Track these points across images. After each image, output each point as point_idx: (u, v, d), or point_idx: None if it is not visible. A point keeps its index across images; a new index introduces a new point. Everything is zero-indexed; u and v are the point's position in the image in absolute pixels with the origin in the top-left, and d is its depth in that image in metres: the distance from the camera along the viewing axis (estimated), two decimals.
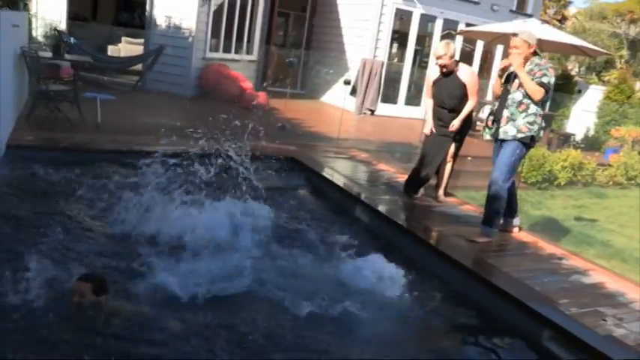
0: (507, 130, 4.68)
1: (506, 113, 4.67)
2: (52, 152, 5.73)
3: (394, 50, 14.16)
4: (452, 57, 5.35)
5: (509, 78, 4.73)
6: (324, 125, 9.73)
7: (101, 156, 5.94)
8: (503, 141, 4.74)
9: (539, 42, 10.97)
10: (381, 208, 5.43)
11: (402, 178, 6.30)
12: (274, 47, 13.72)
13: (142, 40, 11.84)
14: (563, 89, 16.41)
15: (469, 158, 9.06)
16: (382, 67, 9.12)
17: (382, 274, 3.89)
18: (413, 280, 3.98)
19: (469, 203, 6.16)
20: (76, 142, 6.31)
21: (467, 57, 13.67)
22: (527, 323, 3.58)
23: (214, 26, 11.79)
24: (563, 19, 30.12)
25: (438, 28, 12.78)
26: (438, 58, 5.36)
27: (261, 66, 13.77)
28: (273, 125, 8.66)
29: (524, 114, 4.60)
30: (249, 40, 13.30)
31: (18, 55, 6.75)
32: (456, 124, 5.47)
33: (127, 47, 12.68)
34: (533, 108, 4.59)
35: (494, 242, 4.87)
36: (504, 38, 11.42)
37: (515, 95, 4.63)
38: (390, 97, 12.98)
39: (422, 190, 5.96)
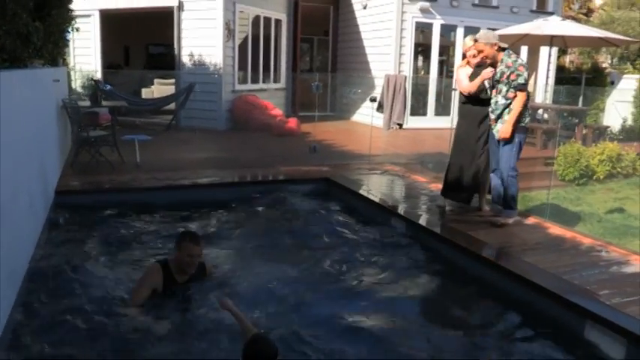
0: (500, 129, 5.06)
1: (493, 116, 5.08)
2: (96, 194, 6.07)
3: (420, 63, 14.26)
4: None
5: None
6: (356, 143, 9.86)
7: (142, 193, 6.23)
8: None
9: (562, 39, 11.05)
10: (415, 217, 5.53)
11: (435, 186, 6.34)
12: (294, 73, 14.01)
13: (173, 81, 12.31)
14: (595, 82, 16.10)
15: None
16: (405, 81, 9.25)
17: None
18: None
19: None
20: (117, 182, 6.61)
21: None
22: (568, 316, 3.59)
23: (241, 59, 12.19)
24: (589, 12, 29.56)
25: (460, 36, 12.82)
26: (467, 50, 5.46)
27: (290, 93, 14.09)
28: (305, 149, 8.84)
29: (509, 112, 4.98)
30: (275, 69, 13.66)
31: (60, 107, 7.18)
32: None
33: (159, 88, 13.18)
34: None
35: (530, 240, 4.94)
36: (527, 38, 11.41)
37: (499, 99, 5.00)
38: (419, 109, 13.07)
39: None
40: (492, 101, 5.08)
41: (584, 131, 11.50)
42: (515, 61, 4.95)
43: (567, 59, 22.08)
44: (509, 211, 5.26)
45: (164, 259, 3.88)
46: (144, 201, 6.02)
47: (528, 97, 5.01)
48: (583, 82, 15.98)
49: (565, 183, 9.43)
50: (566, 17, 22.24)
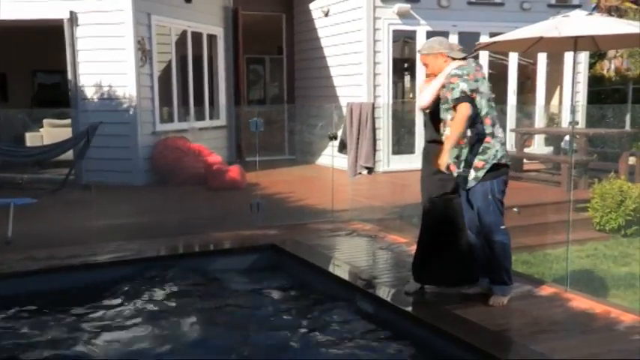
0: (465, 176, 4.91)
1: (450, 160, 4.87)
2: None
3: (407, 85, 14.39)
4: None
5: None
6: (318, 195, 9.85)
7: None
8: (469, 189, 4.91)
9: (591, 40, 11.10)
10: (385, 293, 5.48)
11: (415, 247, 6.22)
12: (238, 106, 14.04)
13: (69, 121, 12.17)
14: None
15: (515, 209, 8.95)
16: (373, 111, 9.13)
17: None
18: None
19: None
20: None
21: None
22: None
23: (163, 89, 12.20)
24: (637, 1, 30.24)
25: None
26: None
27: (233, 132, 14.06)
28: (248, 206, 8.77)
29: (466, 148, 4.81)
30: (211, 101, 13.67)
31: None
32: None
33: (51, 132, 13.06)
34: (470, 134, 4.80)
35: (543, 318, 4.81)
36: (543, 43, 11.37)
37: (447, 132, 4.82)
38: (404, 146, 13.08)
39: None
40: (443, 137, 4.87)
41: (630, 161, 11.48)
42: (450, 73, 4.79)
43: (612, 65, 22.33)
44: (501, 287, 5.03)
45: None
46: (13, 293, 5.81)
47: (475, 118, 4.77)
48: (630, 95, 16.12)
49: (606, 234, 9.34)
50: (607, 8, 22.64)
